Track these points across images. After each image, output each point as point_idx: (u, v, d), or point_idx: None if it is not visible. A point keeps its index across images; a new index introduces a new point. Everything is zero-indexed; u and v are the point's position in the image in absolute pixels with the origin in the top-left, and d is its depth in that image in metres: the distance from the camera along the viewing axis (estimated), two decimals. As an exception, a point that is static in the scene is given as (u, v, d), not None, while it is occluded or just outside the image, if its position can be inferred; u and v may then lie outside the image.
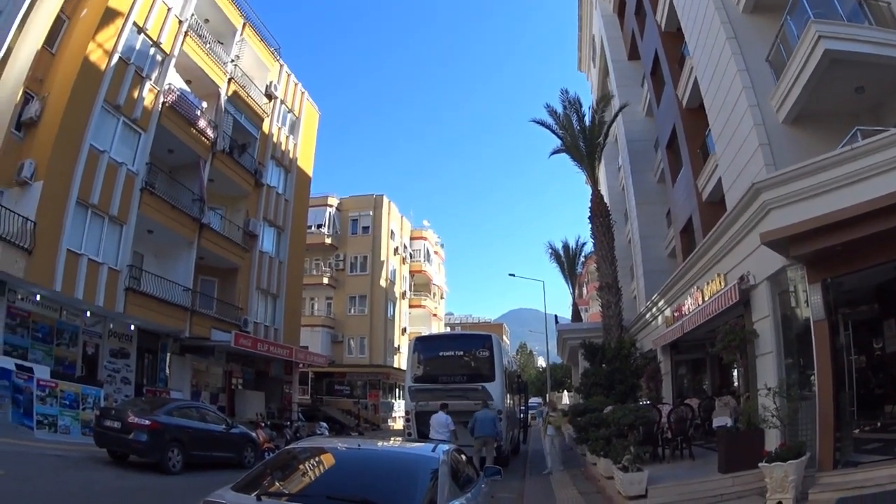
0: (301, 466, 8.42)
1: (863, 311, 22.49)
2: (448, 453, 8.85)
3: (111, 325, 32.22)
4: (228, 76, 41.73)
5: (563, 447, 28.53)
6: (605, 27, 49.76)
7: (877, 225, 14.48)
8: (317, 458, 8.60)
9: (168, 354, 36.50)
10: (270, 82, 47.79)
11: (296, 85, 52.78)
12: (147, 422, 21.72)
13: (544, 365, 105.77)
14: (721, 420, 19.74)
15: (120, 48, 32.18)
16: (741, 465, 15.97)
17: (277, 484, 7.69)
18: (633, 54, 44.82)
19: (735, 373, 23.64)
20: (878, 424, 19.18)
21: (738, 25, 24.80)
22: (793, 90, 21.37)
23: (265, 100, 46.77)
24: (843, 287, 18.13)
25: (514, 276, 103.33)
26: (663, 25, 34.32)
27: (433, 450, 8.85)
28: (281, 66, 49.92)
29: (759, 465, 14.40)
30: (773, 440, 16.04)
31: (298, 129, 53.09)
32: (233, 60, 42.63)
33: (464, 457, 10.52)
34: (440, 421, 24.21)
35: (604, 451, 20.29)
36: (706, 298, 22.73)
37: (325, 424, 45.68)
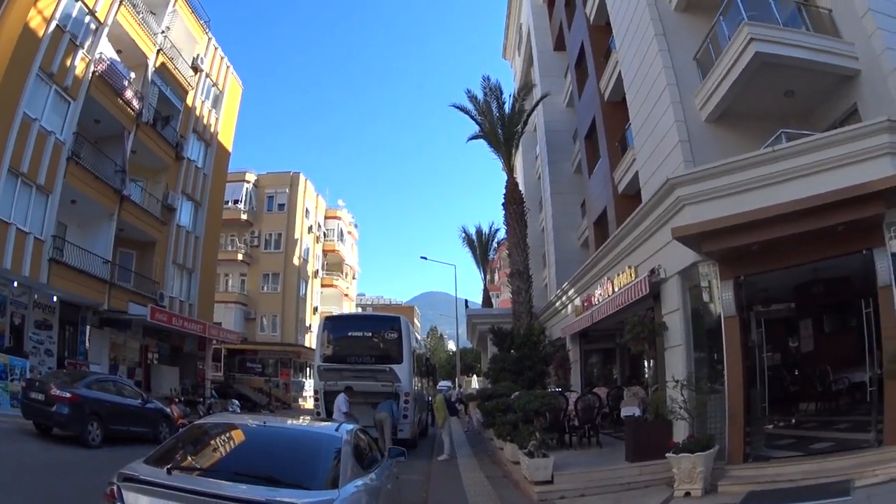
0: (211, 442, 8.51)
1: (779, 310, 22.95)
2: (351, 433, 9.02)
3: (35, 296, 31.07)
4: (158, 47, 40.71)
5: (471, 430, 28.68)
6: (533, 17, 49.83)
7: (794, 227, 14.77)
8: (226, 435, 8.73)
9: (88, 327, 35.43)
10: (198, 55, 46.64)
11: (222, 59, 51.59)
12: (68, 394, 21.30)
13: (454, 349, 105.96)
14: (629, 410, 20.11)
15: (58, 15, 31.25)
16: (649, 455, 16.20)
17: (188, 458, 7.77)
18: (560, 45, 44.98)
19: (646, 364, 23.94)
20: (793, 421, 19.97)
21: (667, 22, 24.99)
22: (718, 89, 21.65)
23: (191, 73, 45.70)
24: (758, 285, 18.51)
25: (426, 259, 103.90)
26: (592, 18, 34.45)
27: (336, 429, 8.99)
28: (209, 39, 48.76)
29: (667, 455, 14.66)
30: (681, 432, 16.23)
31: (221, 104, 51.95)
32: (163, 31, 41.50)
33: (367, 437, 10.63)
34: (339, 401, 24.17)
35: (510, 436, 20.39)
36: (616, 289, 22.94)
37: (237, 402, 45.54)
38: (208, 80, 49.48)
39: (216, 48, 50.72)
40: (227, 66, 53.04)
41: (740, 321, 16.35)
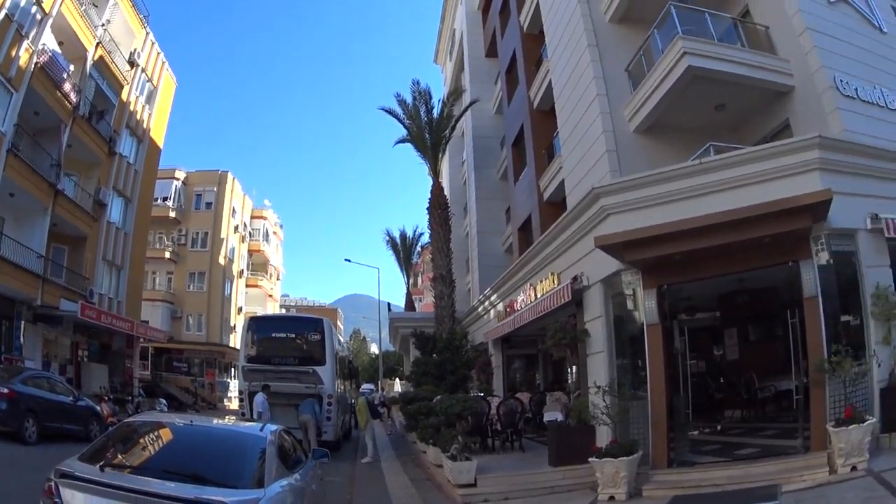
0: (140, 440, 8.51)
1: (704, 319, 23.39)
2: (276, 434, 9.11)
3: (-28, 290, 30.23)
4: (97, 40, 39.59)
5: (395, 433, 28.59)
6: (467, 22, 49.72)
7: (719, 238, 14.95)
8: (154, 433, 8.74)
9: (22, 322, 34.31)
10: (135, 49, 45.30)
11: (158, 54, 50.23)
12: (6, 390, 20.76)
13: (377, 352, 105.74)
14: (552, 415, 20.34)
15: (7, 4, 30.44)
16: (572, 460, 16.31)
17: (120, 456, 7.74)
18: (492, 52, 45.02)
19: (568, 370, 24.08)
20: (719, 428, 20.40)
21: (601, 33, 25.12)
22: (649, 101, 21.90)
23: (127, 67, 44.33)
24: (682, 294, 18.91)
25: (349, 261, 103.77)
26: (526, 26, 34.48)
27: (261, 430, 9.06)
28: (147, 33, 47.51)
29: (590, 460, 14.73)
30: (604, 437, 16.31)
31: (155, 100, 50.55)
32: (103, 24, 40.35)
33: (292, 438, 10.70)
34: (258, 401, 24.03)
35: (433, 440, 20.48)
36: (539, 295, 22.94)
37: (164, 401, 44.67)
38: (143, 75, 48.19)
39: (153, 43, 49.52)
40: (163, 62, 51.82)
41: (663, 329, 16.45)
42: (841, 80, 20.04)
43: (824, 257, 15.47)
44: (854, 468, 12.65)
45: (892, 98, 21.62)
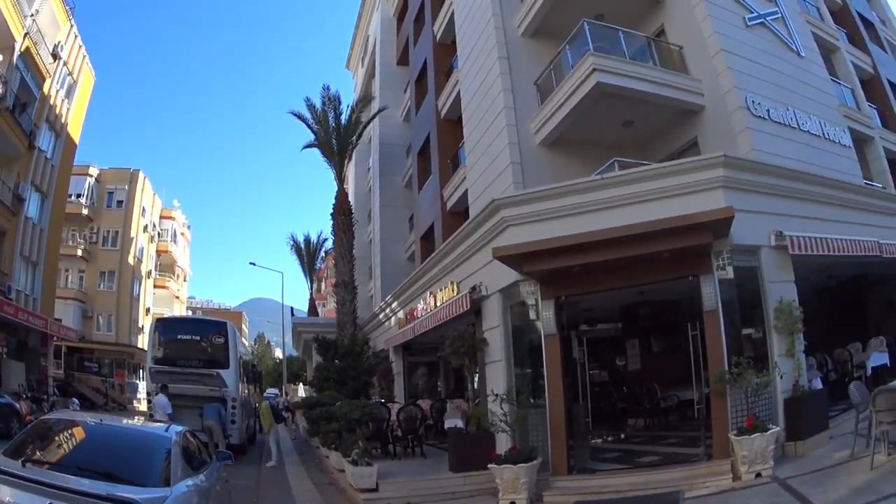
0: (56, 438, 8.84)
1: (607, 329, 23.83)
2: (180, 435, 9.41)
3: None
4: (25, 30, 38.37)
5: (298, 438, 28.37)
6: (381, 29, 49.32)
7: (618, 252, 15.07)
8: (69, 431, 9.03)
9: None
10: (59, 42, 43.91)
11: (80, 48, 48.59)
12: None
13: (281, 356, 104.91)
14: (452, 422, 20.68)
15: None
16: (472, 466, 16.41)
17: (38, 453, 8.13)
18: (403, 60, 44.84)
19: (468, 377, 24.08)
20: (622, 436, 20.97)
21: (513, 46, 25.24)
22: (555, 115, 22.05)
23: (51, 59, 42.91)
24: (582, 305, 19.31)
25: (254, 265, 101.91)
26: (439, 36, 34.52)
27: (166, 430, 9.49)
28: (72, 26, 46.26)
29: (490, 466, 14.92)
30: (504, 444, 16.33)
31: (74, 94, 48.73)
32: (33, 14, 39.25)
33: (196, 440, 10.93)
34: (160, 402, 23.88)
35: (335, 445, 20.49)
36: (439, 304, 22.93)
37: (76, 401, 43.41)
38: (65, 68, 46.61)
39: (76, 36, 48.13)
40: (84, 56, 50.18)
41: (561, 339, 16.56)
42: (753, 101, 20.77)
43: (725, 273, 15.94)
44: (758, 475, 13.10)
45: (804, 120, 22.54)
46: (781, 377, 15.45)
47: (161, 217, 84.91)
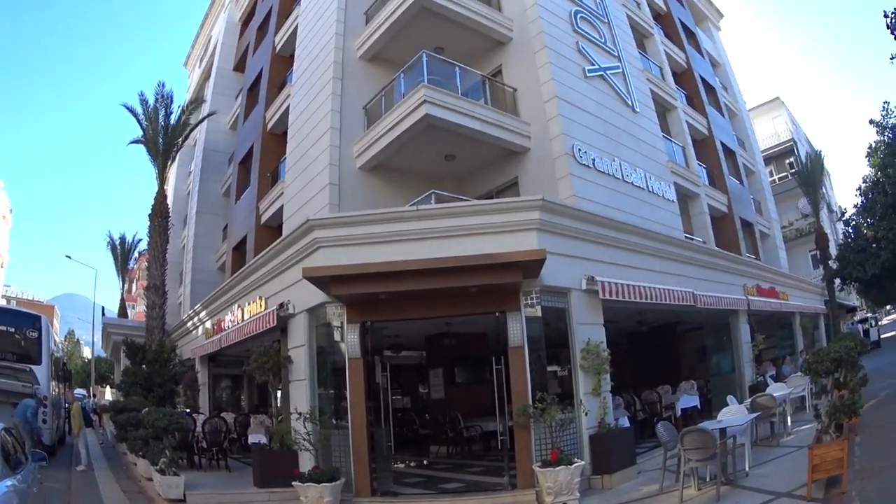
0: None
1: (411, 357, 24.17)
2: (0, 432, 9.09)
3: None
4: None
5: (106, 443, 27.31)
6: (225, 32, 48.04)
7: (425, 283, 15.33)
8: None
9: None
10: None
11: None
12: None
13: (90, 356, 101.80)
14: (256, 437, 21.13)
15: None
16: (277, 482, 16.55)
17: None
18: (240, 66, 44.16)
19: (272, 394, 23.70)
20: (425, 462, 21.60)
21: (349, 68, 25.11)
22: (380, 141, 22.05)
23: None
24: (388, 331, 19.60)
25: (70, 258, 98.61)
26: (279, 48, 34.09)
27: None
28: None
29: (294, 483, 15.09)
30: (307, 462, 16.31)
31: None
32: None
33: (13, 439, 10.50)
34: None
35: (142, 452, 20.37)
36: (246, 317, 22.54)
37: None
38: None
39: None
40: None
41: (364, 363, 16.73)
42: (579, 149, 21.62)
43: (534, 311, 16.35)
44: (564, 505, 13.57)
45: (630, 172, 23.65)
46: (586, 414, 16.25)
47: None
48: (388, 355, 22.23)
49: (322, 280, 16.29)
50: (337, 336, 17.69)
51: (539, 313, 16.48)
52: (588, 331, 17.38)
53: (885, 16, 23.52)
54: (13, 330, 28.28)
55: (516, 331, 15.94)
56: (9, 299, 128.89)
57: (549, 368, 17.23)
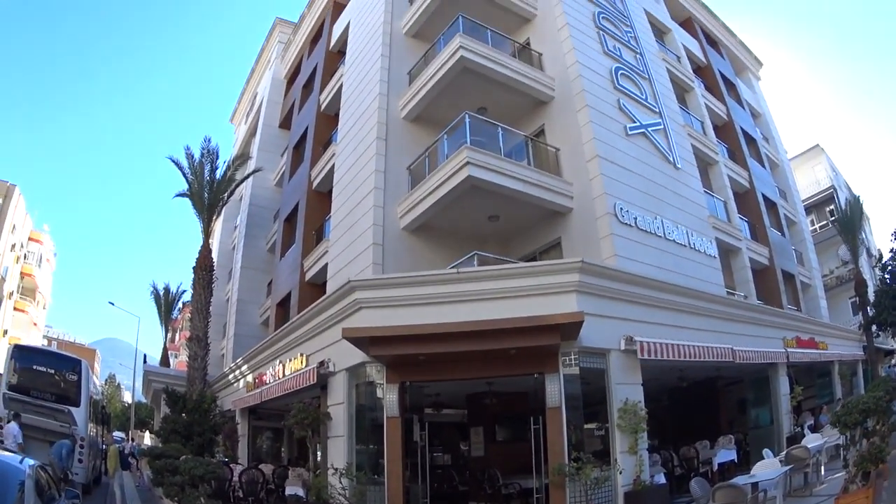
0: None
1: (452, 415, 24.13)
2: (34, 468, 8.98)
3: None
4: None
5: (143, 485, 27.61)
6: (270, 89, 48.82)
7: (465, 345, 15.54)
8: None
9: None
10: None
11: None
12: None
13: (130, 401, 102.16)
14: (293, 489, 20.76)
15: None
16: None
17: None
18: (286, 124, 44.71)
19: (311, 448, 23.86)
20: None
21: (393, 128, 25.36)
22: (423, 202, 22.20)
23: None
24: (429, 389, 19.90)
25: (113, 304, 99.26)
26: (324, 106, 34.60)
27: (20, 462, 8.96)
28: None
29: None
30: None
31: None
32: None
33: (47, 475, 10.45)
34: (11, 431, 22.97)
35: (178, 498, 20.11)
36: (287, 373, 22.68)
37: None
38: None
39: None
40: None
41: (403, 422, 16.82)
42: (621, 209, 21.65)
43: (572, 372, 16.45)
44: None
45: (671, 229, 23.46)
46: (621, 472, 16.18)
47: (30, 239, 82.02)
48: (428, 413, 22.33)
49: (362, 341, 16.46)
50: (375, 395, 17.84)
51: (577, 373, 16.58)
52: (626, 390, 17.40)
53: None
54: (53, 371, 28.68)
55: (554, 391, 16.06)
56: (50, 340, 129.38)
57: (587, 426, 17.26)
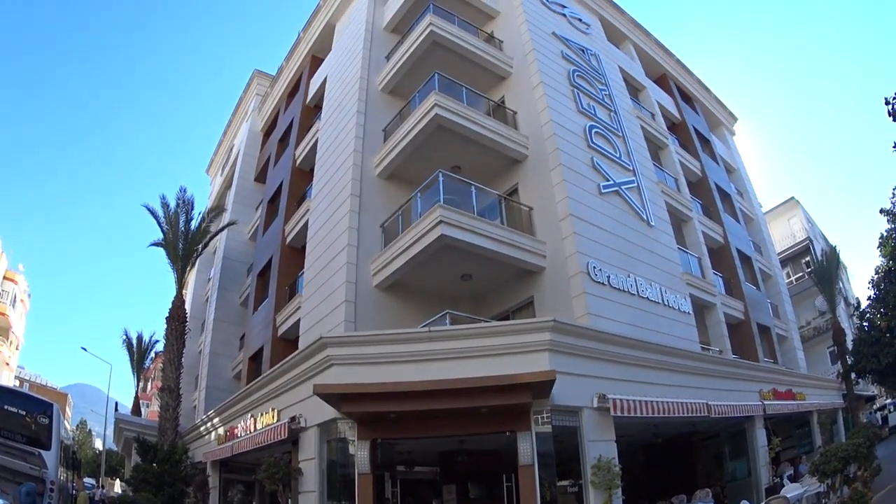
0: None
1: (425, 472, 23.96)
2: None
3: None
4: None
5: None
6: (247, 142, 48.82)
7: (436, 403, 15.53)
8: None
9: None
10: None
11: None
12: None
13: (101, 448, 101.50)
14: None
15: None
16: None
17: None
18: (261, 177, 44.72)
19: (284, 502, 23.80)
20: None
21: (367, 186, 25.55)
22: (396, 260, 22.25)
23: None
24: (400, 447, 19.64)
25: (85, 350, 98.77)
26: (299, 161, 34.70)
27: None
28: None
29: None
30: None
31: None
32: None
33: None
34: None
35: None
36: (258, 427, 22.64)
37: None
38: None
39: None
40: None
41: (374, 479, 16.84)
42: (594, 267, 21.84)
43: (544, 430, 16.45)
44: None
45: (645, 287, 23.68)
46: None
47: (4, 278, 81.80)
48: (400, 470, 22.27)
49: (333, 397, 16.47)
50: (348, 451, 17.77)
51: (550, 431, 16.56)
52: (599, 447, 17.38)
53: (887, 102, 23.54)
54: (24, 413, 28.30)
55: (526, 449, 16.02)
56: (22, 381, 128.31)
57: (561, 483, 17.33)
